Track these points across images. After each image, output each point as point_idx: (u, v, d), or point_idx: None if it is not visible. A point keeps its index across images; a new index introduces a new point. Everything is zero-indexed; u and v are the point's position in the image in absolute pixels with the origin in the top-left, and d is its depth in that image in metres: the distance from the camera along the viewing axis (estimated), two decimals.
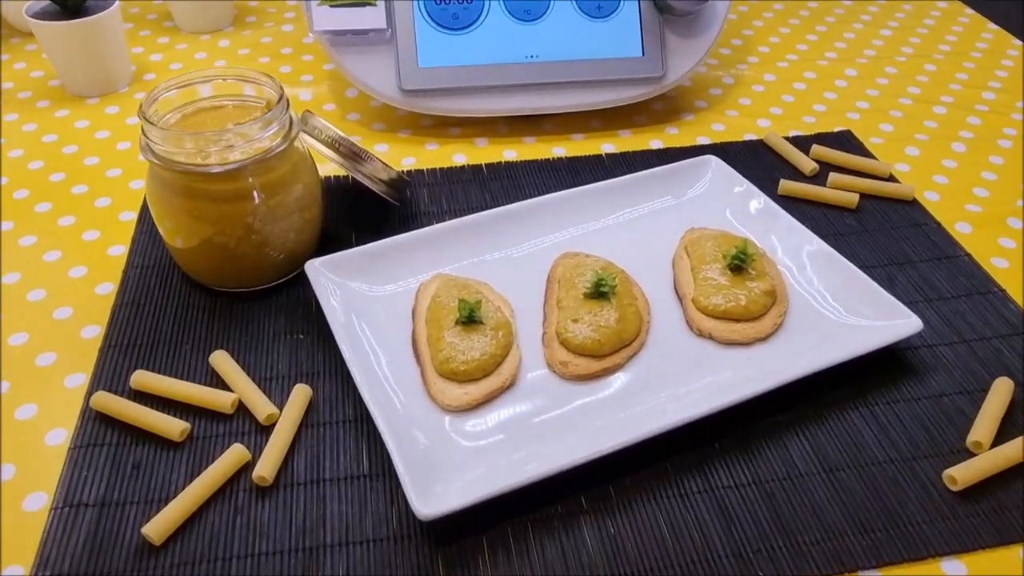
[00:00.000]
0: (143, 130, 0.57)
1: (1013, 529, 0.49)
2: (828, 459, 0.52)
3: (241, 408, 0.55)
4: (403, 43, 0.77)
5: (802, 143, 0.80)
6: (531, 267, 0.64)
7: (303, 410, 0.54)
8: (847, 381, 0.57)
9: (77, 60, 0.85)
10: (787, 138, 0.81)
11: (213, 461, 0.51)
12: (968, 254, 0.68)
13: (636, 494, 0.50)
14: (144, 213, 0.71)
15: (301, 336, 0.60)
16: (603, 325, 0.57)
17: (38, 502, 0.50)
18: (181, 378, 0.56)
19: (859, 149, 0.80)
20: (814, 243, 0.64)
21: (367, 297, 0.61)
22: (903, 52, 0.98)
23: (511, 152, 0.80)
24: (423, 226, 0.66)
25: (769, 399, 0.54)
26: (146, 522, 0.48)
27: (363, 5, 0.76)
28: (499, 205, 0.68)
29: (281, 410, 0.54)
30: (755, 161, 0.78)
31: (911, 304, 0.60)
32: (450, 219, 0.67)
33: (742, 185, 0.70)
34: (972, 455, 0.53)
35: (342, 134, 0.65)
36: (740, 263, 0.61)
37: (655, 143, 0.81)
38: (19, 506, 0.50)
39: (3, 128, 0.82)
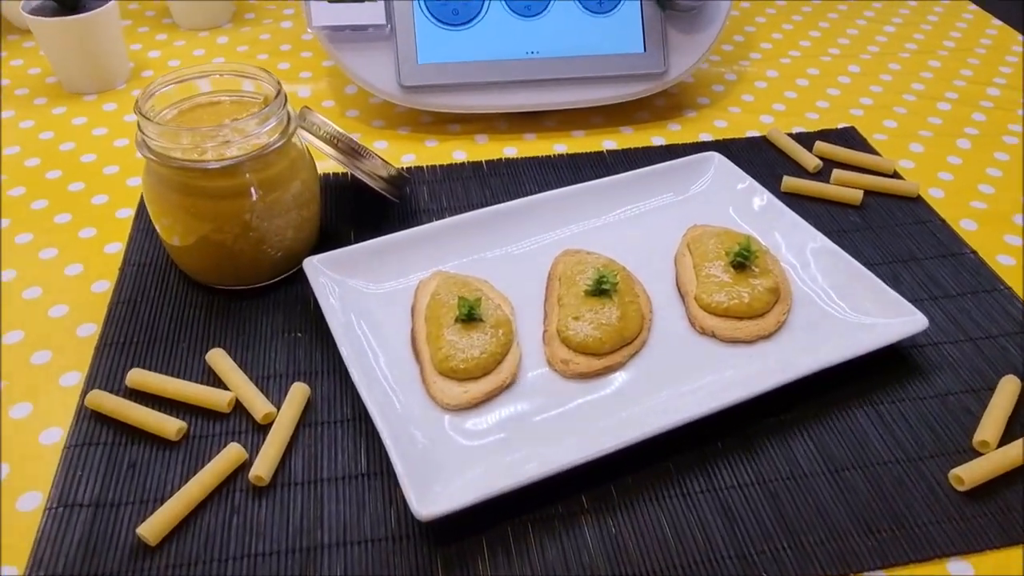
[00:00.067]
0: (139, 126, 0.57)
1: (1020, 529, 0.48)
2: (833, 459, 0.52)
3: (238, 407, 0.54)
4: (402, 39, 0.77)
5: (805, 140, 0.79)
6: (532, 264, 0.64)
7: (301, 409, 0.54)
8: (851, 380, 0.56)
9: (74, 57, 0.84)
10: (790, 135, 0.80)
11: (209, 461, 0.50)
12: (974, 251, 0.67)
13: (638, 494, 0.50)
14: (141, 210, 0.70)
15: (299, 334, 0.59)
16: (604, 323, 0.56)
17: (32, 502, 0.49)
18: (178, 377, 0.56)
19: (863, 146, 0.80)
20: (818, 240, 0.64)
21: (366, 295, 0.61)
22: (907, 48, 0.97)
23: (511, 149, 0.79)
24: (423, 223, 0.65)
25: (772, 398, 0.53)
26: (141, 522, 0.47)
27: (362, 0, 0.76)
28: (499, 202, 0.67)
29: (279, 409, 0.53)
30: (758, 158, 0.78)
31: (916, 302, 0.59)
32: (450, 216, 0.66)
33: (745, 182, 0.70)
34: (979, 455, 0.52)
35: (341, 130, 0.65)
36: (743, 260, 0.60)
37: (657, 140, 0.81)
38: (13, 506, 0.49)
39: (1, 125, 0.81)
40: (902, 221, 0.70)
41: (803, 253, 0.64)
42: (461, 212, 0.67)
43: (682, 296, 0.61)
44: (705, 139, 0.81)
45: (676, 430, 0.50)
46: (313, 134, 0.64)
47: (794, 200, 0.72)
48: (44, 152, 0.78)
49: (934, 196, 0.74)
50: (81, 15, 0.81)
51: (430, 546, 0.47)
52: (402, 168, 0.74)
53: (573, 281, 0.60)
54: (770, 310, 0.59)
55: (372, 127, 0.82)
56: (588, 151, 0.79)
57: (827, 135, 0.80)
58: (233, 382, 0.55)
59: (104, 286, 0.64)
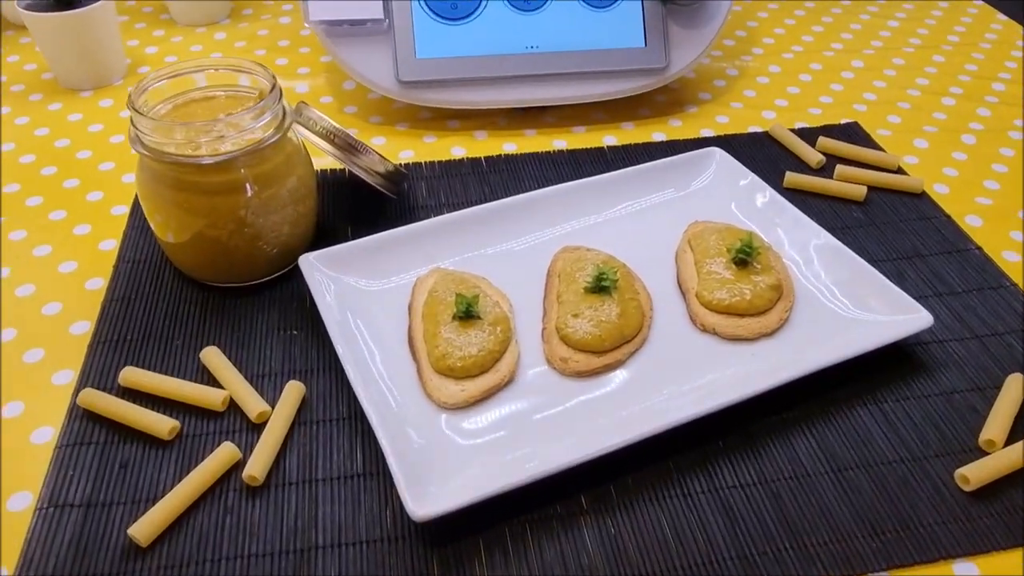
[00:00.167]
0: (132, 121, 0.56)
1: None
2: (836, 458, 0.51)
3: (232, 406, 0.53)
4: (400, 34, 0.76)
5: (808, 135, 0.78)
6: (531, 261, 0.63)
7: (295, 408, 0.53)
8: (855, 378, 0.55)
9: (70, 53, 0.83)
10: (793, 130, 0.79)
11: (203, 460, 0.49)
12: (979, 247, 0.66)
13: (638, 494, 0.49)
14: (136, 207, 0.69)
15: (294, 332, 0.59)
16: (604, 320, 0.55)
17: (23, 502, 0.49)
18: (171, 375, 0.55)
19: (866, 141, 0.79)
20: (821, 236, 0.63)
21: (362, 292, 0.60)
22: (911, 43, 0.96)
23: (511, 145, 0.78)
24: (420, 220, 0.65)
25: (775, 396, 0.52)
26: (133, 523, 0.46)
27: None
28: (498, 198, 0.66)
29: (273, 407, 0.53)
30: (760, 154, 0.77)
31: (921, 299, 0.59)
32: (448, 213, 0.65)
33: (747, 178, 0.69)
34: (985, 454, 0.51)
35: (337, 125, 0.64)
36: (745, 257, 0.59)
37: (658, 135, 0.80)
38: (3, 506, 0.48)
39: None
40: (906, 217, 0.69)
41: (806, 249, 0.63)
42: (459, 209, 0.66)
43: (683, 293, 0.61)
44: (707, 135, 0.80)
45: (677, 429, 0.49)
46: (309, 129, 0.63)
47: (797, 196, 0.71)
48: (39, 149, 0.77)
49: (939, 192, 0.73)
50: (77, 10, 0.80)
51: (426, 547, 0.46)
52: (400, 164, 0.73)
53: (572, 278, 0.59)
54: (772, 307, 0.58)
55: (370, 123, 0.81)
56: (588, 147, 0.78)
57: (830, 131, 0.79)
58: (227, 380, 0.54)
59: (98, 283, 0.63)
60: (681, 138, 0.79)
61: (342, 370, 0.53)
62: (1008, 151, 0.78)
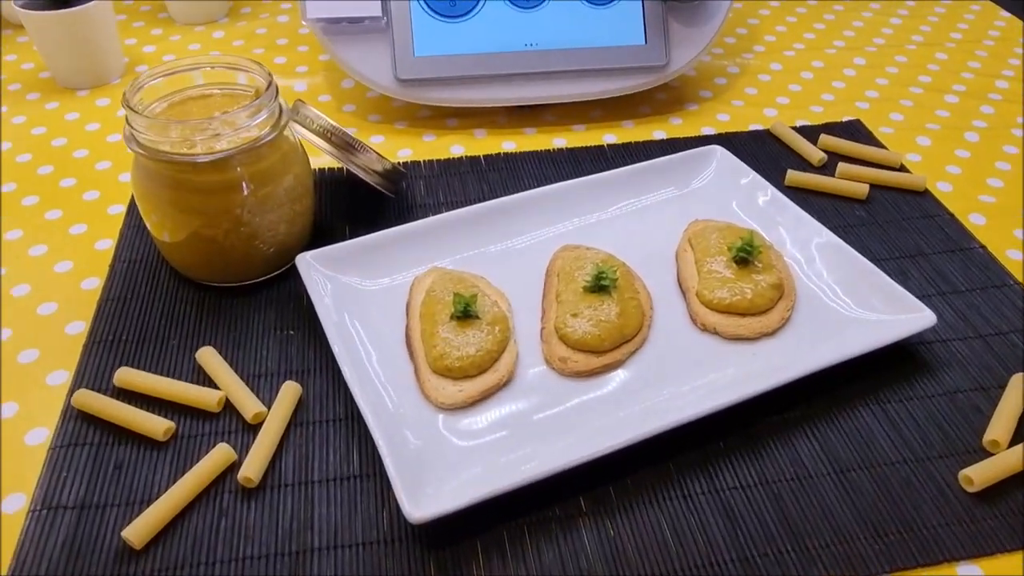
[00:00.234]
0: (127, 119, 0.55)
1: None
2: (838, 459, 0.50)
3: (228, 406, 0.53)
4: (399, 31, 0.75)
5: (810, 133, 0.77)
6: (530, 260, 0.62)
7: (292, 408, 0.53)
8: (858, 378, 0.55)
9: (67, 51, 0.83)
10: (794, 128, 0.78)
11: (198, 461, 0.49)
12: (983, 246, 0.66)
13: (637, 495, 0.48)
14: (133, 207, 0.69)
15: (291, 332, 0.58)
16: (603, 320, 0.55)
17: (16, 504, 0.48)
18: (167, 375, 0.55)
19: (869, 139, 0.78)
20: (823, 235, 0.62)
21: (360, 292, 0.59)
22: (913, 40, 0.96)
23: (510, 143, 0.78)
24: (419, 218, 0.64)
25: (776, 396, 0.51)
26: (127, 525, 0.46)
27: None
28: (497, 197, 0.66)
29: (269, 408, 0.52)
30: (761, 151, 0.76)
31: (924, 298, 0.58)
32: (447, 211, 0.65)
33: (748, 176, 0.68)
34: (989, 455, 0.50)
35: (335, 124, 0.63)
36: (746, 255, 0.59)
37: (658, 134, 0.79)
38: None
39: None
40: (909, 215, 0.69)
41: (808, 248, 0.62)
42: (458, 207, 0.65)
43: (683, 292, 0.60)
44: (708, 133, 0.79)
45: (677, 430, 0.49)
46: (306, 127, 0.63)
47: (798, 194, 0.70)
48: (36, 148, 0.77)
49: (942, 190, 0.72)
50: (73, 8, 0.80)
51: (423, 550, 0.46)
52: (398, 163, 0.73)
53: (572, 277, 0.58)
54: (773, 306, 0.57)
55: (369, 122, 0.81)
56: (588, 145, 0.77)
57: (832, 128, 0.79)
58: (223, 381, 0.54)
59: (94, 283, 0.62)
60: (682, 136, 0.79)
61: (339, 370, 0.52)
62: (1012, 148, 0.77)
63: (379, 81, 0.76)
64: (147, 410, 0.52)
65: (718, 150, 0.70)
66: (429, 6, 0.76)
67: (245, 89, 0.61)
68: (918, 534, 0.47)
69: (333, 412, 0.53)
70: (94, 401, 0.52)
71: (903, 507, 0.48)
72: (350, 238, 0.62)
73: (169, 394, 0.53)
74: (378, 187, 0.66)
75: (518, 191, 0.67)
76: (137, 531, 0.45)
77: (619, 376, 0.54)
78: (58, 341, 0.58)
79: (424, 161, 0.75)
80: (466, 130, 0.79)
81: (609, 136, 0.79)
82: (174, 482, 0.48)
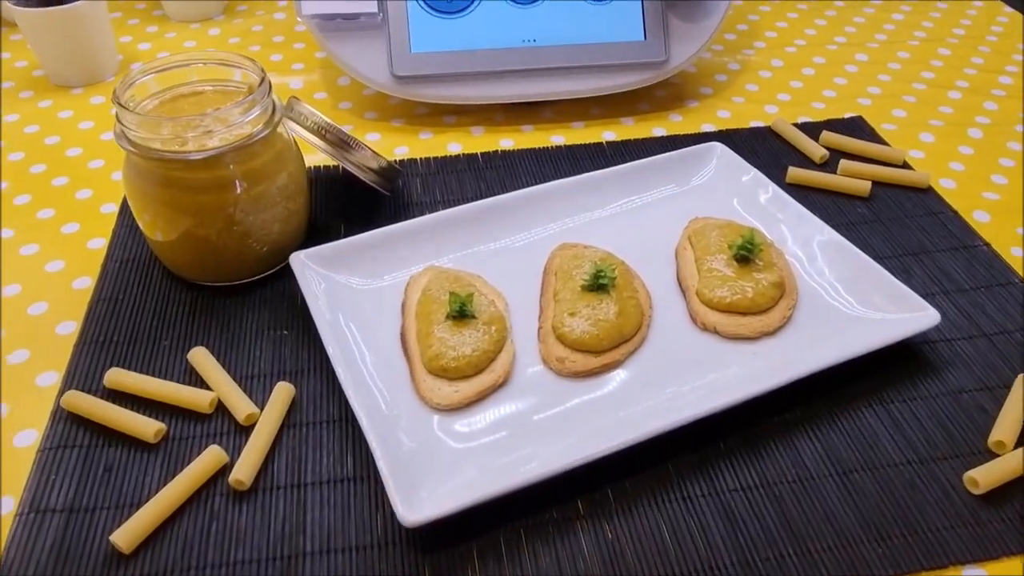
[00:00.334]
0: (118, 116, 0.55)
1: None
2: (841, 460, 0.49)
3: (220, 408, 0.52)
4: (395, 28, 0.75)
5: (812, 130, 0.76)
6: (527, 259, 0.61)
7: (285, 410, 0.52)
8: (860, 377, 0.54)
9: (61, 49, 0.82)
10: (796, 125, 0.77)
11: (189, 464, 0.48)
12: (987, 244, 0.65)
13: (636, 498, 0.48)
14: (126, 205, 0.68)
15: (285, 332, 0.57)
16: (602, 319, 0.54)
17: (4, 507, 0.47)
18: (158, 376, 0.54)
19: (871, 135, 0.77)
20: (825, 233, 0.61)
21: (355, 291, 0.59)
22: (916, 36, 0.95)
23: (508, 141, 0.77)
24: (415, 217, 0.63)
25: (777, 396, 0.51)
26: (116, 529, 0.45)
27: None
28: (495, 195, 0.65)
29: (262, 409, 0.51)
30: (762, 148, 0.75)
31: (927, 296, 0.57)
32: (443, 209, 0.64)
33: (749, 173, 0.67)
34: (994, 456, 0.50)
35: (329, 121, 0.62)
36: (747, 254, 0.58)
37: (658, 131, 0.78)
38: None
39: None
40: (912, 213, 0.68)
41: (809, 246, 0.62)
42: (455, 205, 0.65)
43: (683, 291, 0.59)
44: (708, 130, 0.79)
45: (676, 431, 0.48)
46: (300, 125, 0.62)
47: (800, 192, 0.69)
48: (29, 146, 0.76)
49: (945, 187, 0.71)
50: (67, 6, 0.79)
51: (418, 554, 0.45)
52: (394, 160, 0.72)
53: (570, 276, 0.57)
54: (775, 305, 0.57)
55: (365, 119, 0.80)
56: (587, 143, 0.76)
57: (834, 125, 0.78)
58: (215, 382, 0.53)
59: (86, 283, 0.62)
60: (681, 133, 0.78)
61: (333, 371, 0.52)
62: (1015, 145, 0.77)
63: (375, 78, 0.76)
64: (138, 411, 0.51)
65: (718, 147, 0.69)
66: (426, 2, 0.75)
67: (238, 86, 0.60)
68: (922, 537, 0.46)
69: (327, 413, 0.52)
70: (84, 402, 0.51)
71: (907, 509, 0.47)
72: (345, 237, 0.61)
73: (160, 395, 0.52)
74: (374, 185, 0.65)
75: (516, 189, 0.66)
76: (126, 535, 0.45)
77: (618, 376, 0.53)
78: (49, 342, 0.57)
79: (421, 159, 0.74)
80: (463, 127, 0.79)
81: (608, 133, 0.78)
82: (164, 485, 0.47)
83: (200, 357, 0.54)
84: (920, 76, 0.87)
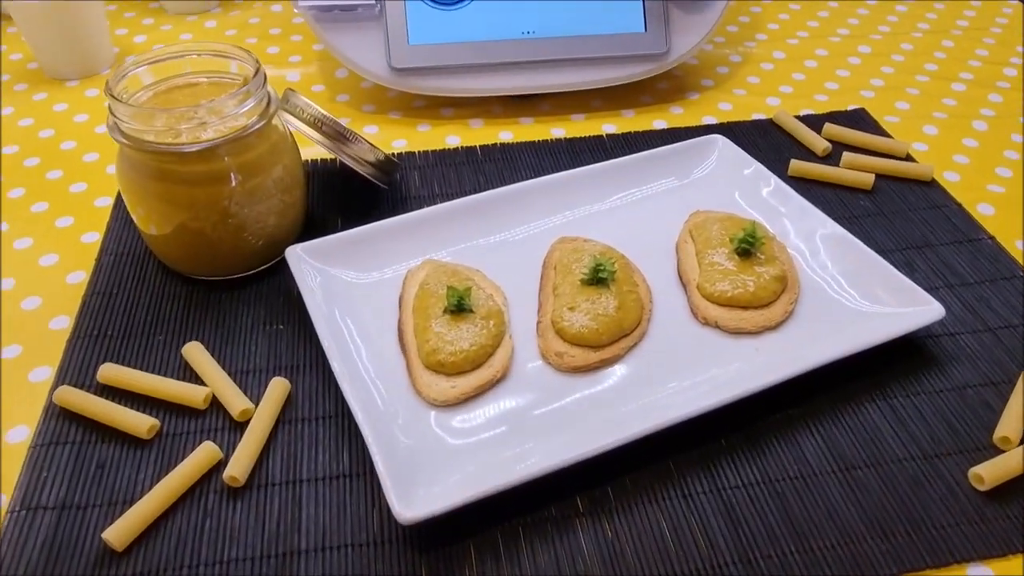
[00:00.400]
0: (110, 108, 0.54)
1: None
2: (844, 457, 0.49)
3: (214, 403, 0.51)
4: (393, 19, 0.74)
5: (814, 122, 0.75)
6: (526, 253, 0.61)
7: (280, 405, 0.51)
8: (863, 372, 0.53)
9: (56, 41, 0.81)
10: (798, 117, 0.77)
11: (183, 460, 0.47)
12: (992, 237, 0.64)
13: (636, 495, 0.47)
14: (120, 199, 0.67)
15: (281, 327, 0.57)
16: (601, 313, 0.53)
17: None
18: (153, 372, 0.53)
19: (874, 128, 0.76)
20: (827, 226, 0.61)
21: (351, 285, 0.58)
22: (919, 28, 0.94)
23: (507, 134, 0.76)
24: (413, 210, 0.62)
25: (779, 392, 0.50)
26: (109, 526, 0.44)
27: None
28: (493, 188, 0.64)
29: (257, 405, 0.51)
30: (764, 141, 0.74)
31: (931, 290, 0.57)
32: (442, 202, 0.63)
33: (751, 166, 0.67)
34: (1000, 452, 0.49)
35: (326, 113, 0.61)
36: (748, 247, 0.57)
37: (659, 123, 0.78)
38: None
39: None
40: (916, 206, 0.67)
41: (812, 239, 0.61)
42: (453, 199, 0.64)
43: (684, 285, 0.58)
44: (709, 122, 0.78)
45: (677, 427, 0.47)
46: (296, 116, 0.61)
47: (802, 185, 0.68)
48: (23, 139, 0.75)
49: (949, 180, 0.70)
50: None
51: (414, 551, 0.44)
52: (392, 153, 0.71)
53: (569, 270, 0.57)
54: (777, 299, 0.56)
55: (363, 112, 0.79)
56: (587, 135, 0.76)
57: (837, 117, 0.77)
58: (210, 377, 0.52)
59: (80, 277, 0.61)
60: (683, 126, 0.77)
61: (329, 366, 0.51)
62: (1020, 137, 0.76)
63: (372, 70, 0.75)
64: (131, 407, 0.50)
65: (720, 139, 0.69)
66: None
67: (233, 77, 0.59)
68: (927, 534, 0.45)
69: (323, 409, 0.51)
70: (76, 398, 0.51)
71: (911, 506, 0.46)
72: (342, 230, 0.60)
73: (154, 391, 0.52)
74: (371, 178, 0.64)
75: (515, 182, 0.65)
76: (118, 533, 0.44)
77: (617, 371, 0.53)
78: (42, 336, 0.56)
79: (419, 152, 0.73)
80: (462, 120, 0.78)
81: (608, 126, 0.77)
82: (158, 481, 0.46)
83: (195, 352, 0.54)
84: (923, 68, 0.86)
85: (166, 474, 0.47)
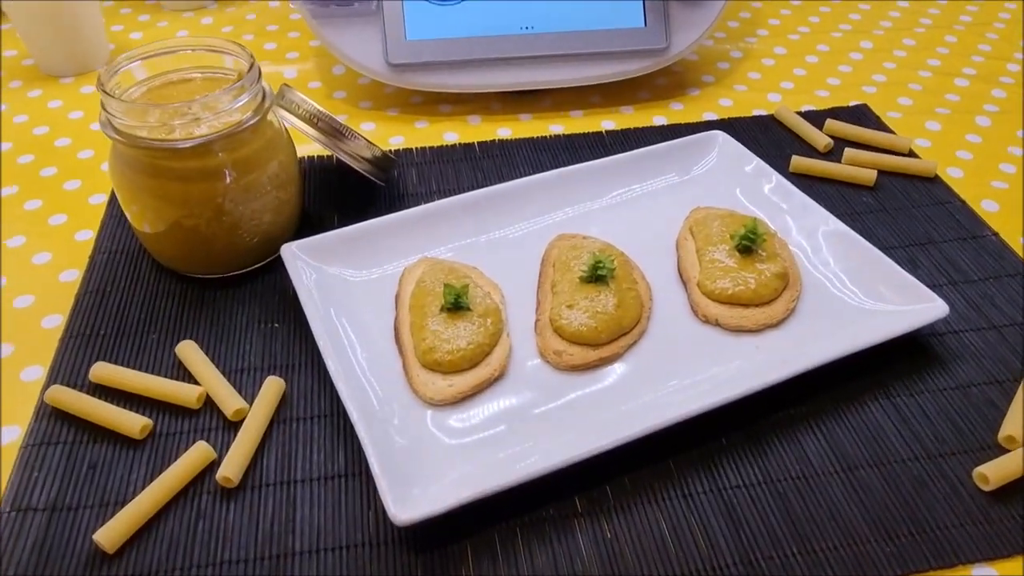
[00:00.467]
0: (103, 104, 0.53)
1: None
2: (846, 456, 0.48)
3: (208, 403, 0.51)
4: (390, 14, 0.73)
5: (815, 118, 0.75)
6: (524, 250, 0.60)
7: (275, 405, 0.50)
8: (866, 371, 0.52)
9: (51, 38, 0.81)
10: (799, 113, 0.76)
11: (176, 460, 0.47)
12: (995, 233, 0.63)
13: (635, 495, 0.46)
14: (115, 196, 0.67)
15: (276, 325, 0.56)
16: (600, 311, 0.53)
17: None
18: (146, 371, 0.52)
19: (876, 124, 0.76)
20: (829, 223, 0.60)
21: (347, 283, 0.57)
22: (922, 23, 0.93)
23: (505, 130, 0.75)
24: (410, 207, 0.62)
25: (781, 391, 0.49)
26: (100, 527, 0.44)
27: None
28: (491, 185, 0.63)
29: (251, 404, 0.50)
30: (765, 137, 0.74)
31: (935, 287, 0.56)
32: (439, 199, 0.62)
33: (752, 162, 0.66)
34: (1005, 451, 0.48)
35: (322, 109, 0.61)
36: (749, 244, 0.56)
37: (659, 119, 0.77)
38: None
39: None
40: (919, 202, 0.66)
41: (814, 236, 0.60)
42: (451, 195, 0.63)
43: (684, 282, 0.58)
44: (710, 118, 0.77)
45: (677, 426, 0.47)
46: (292, 112, 0.60)
47: (804, 181, 0.68)
48: (17, 136, 0.75)
49: (952, 176, 0.70)
50: None
51: (410, 552, 0.44)
52: (390, 150, 0.70)
53: (568, 267, 0.56)
54: (778, 297, 0.55)
55: (360, 108, 0.78)
56: (586, 132, 0.75)
57: (838, 113, 0.76)
58: (204, 376, 0.52)
59: (73, 275, 0.60)
60: (683, 122, 0.76)
61: (324, 365, 0.50)
62: None
63: (370, 66, 0.74)
64: (124, 407, 0.50)
65: (720, 136, 0.68)
66: None
67: (227, 73, 0.58)
68: (931, 535, 0.44)
69: (318, 408, 0.51)
70: (68, 397, 0.50)
71: (915, 507, 0.46)
72: (338, 228, 0.59)
73: (147, 390, 0.51)
74: (367, 175, 0.64)
75: (513, 179, 0.64)
76: (110, 534, 0.43)
77: (616, 370, 0.52)
78: (34, 335, 0.56)
79: (416, 148, 0.73)
80: (460, 116, 0.77)
81: (607, 122, 0.77)
82: (150, 482, 0.46)
83: (188, 351, 0.53)
84: (926, 63, 0.86)
85: (159, 474, 0.46)
